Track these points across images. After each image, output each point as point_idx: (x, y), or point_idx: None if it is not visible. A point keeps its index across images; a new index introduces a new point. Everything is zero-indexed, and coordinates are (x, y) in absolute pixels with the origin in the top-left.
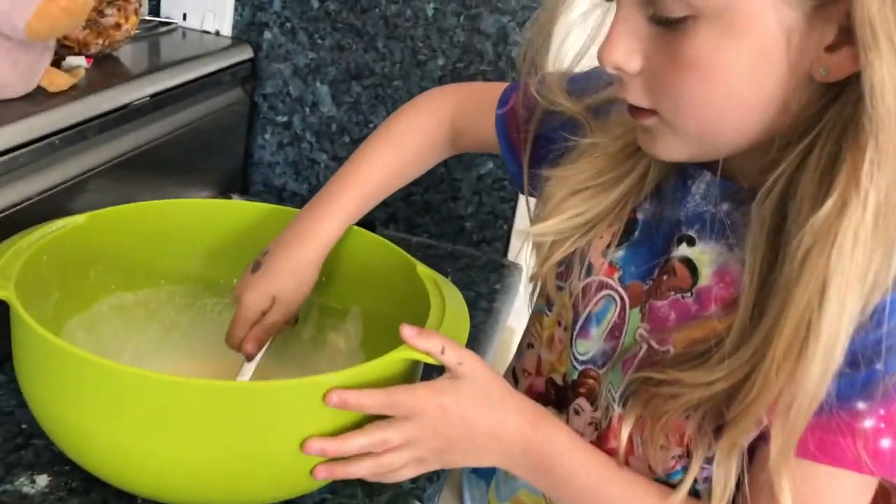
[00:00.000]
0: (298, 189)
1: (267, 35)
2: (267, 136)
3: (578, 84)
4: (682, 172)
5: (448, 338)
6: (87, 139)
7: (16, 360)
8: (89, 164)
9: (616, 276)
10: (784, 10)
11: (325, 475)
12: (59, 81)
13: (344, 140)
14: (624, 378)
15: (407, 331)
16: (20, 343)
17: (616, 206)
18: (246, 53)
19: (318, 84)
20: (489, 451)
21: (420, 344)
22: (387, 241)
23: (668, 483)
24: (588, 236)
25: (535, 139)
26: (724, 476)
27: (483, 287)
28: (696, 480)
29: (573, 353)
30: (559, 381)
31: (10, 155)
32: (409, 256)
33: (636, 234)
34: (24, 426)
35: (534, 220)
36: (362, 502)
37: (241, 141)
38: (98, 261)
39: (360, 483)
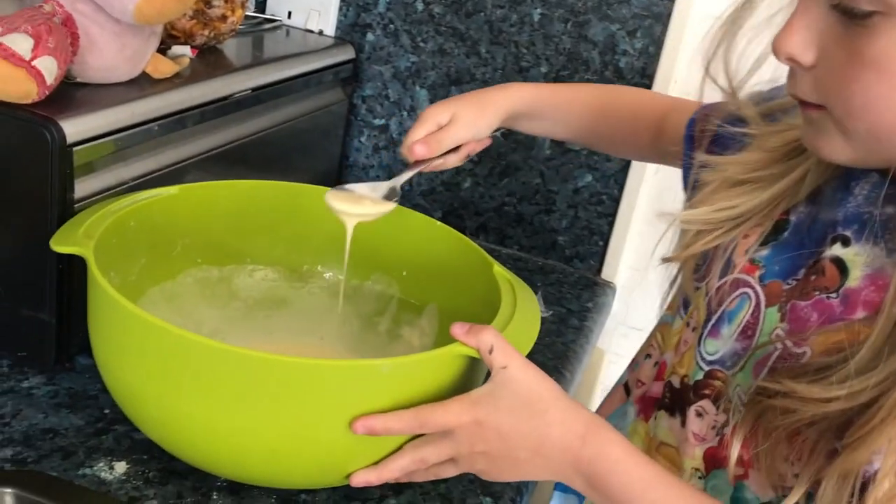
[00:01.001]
0: None
1: (370, 36)
2: (363, 139)
3: (760, 95)
4: (846, 175)
5: (502, 338)
6: (186, 128)
7: (89, 320)
8: (186, 154)
9: (756, 274)
10: None
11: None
12: (163, 68)
13: None
14: (755, 381)
15: (458, 327)
16: (93, 302)
17: (769, 205)
18: (348, 54)
19: (417, 88)
20: (538, 467)
21: (469, 340)
22: (467, 239)
23: None
24: (734, 233)
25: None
26: None
27: (574, 304)
28: None
29: (700, 353)
30: (677, 383)
31: (111, 138)
32: (487, 256)
33: (785, 234)
34: (106, 411)
35: (686, 206)
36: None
37: (337, 142)
38: (186, 233)
39: (441, 498)
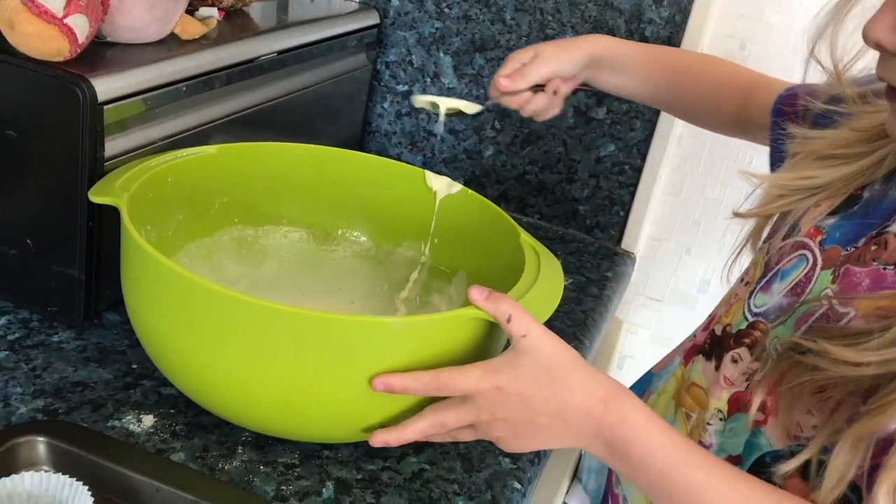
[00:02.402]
0: (413, 161)
1: (394, 2)
2: (386, 105)
3: (858, 79)
4: None
5: (519, 307)
6: (213, 90)
7: (122, 272)
8: (212, 116)
9: (818, 238)
10: None
11: (381, 443)
12: (192, 29)
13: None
14: (793, 335)
15: (475, 292)
16: (125, 254)
17: (847, 180)
18: (372, 19)
19: (441, 54)
20: (559, 433)
21: (487, 307)
22: (496, 207)
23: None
24: (809, 201)
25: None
26: (842, 467)
27: (594, 273)
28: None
29: (748, 305)
30: (719, 331)
31: (141, 97)
32: (514, 224)
33: (855, 208)
34: (134, 366)
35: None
36: (461, 477)
37: (360, 108)
38: (224, 192)
39: (460, 458)
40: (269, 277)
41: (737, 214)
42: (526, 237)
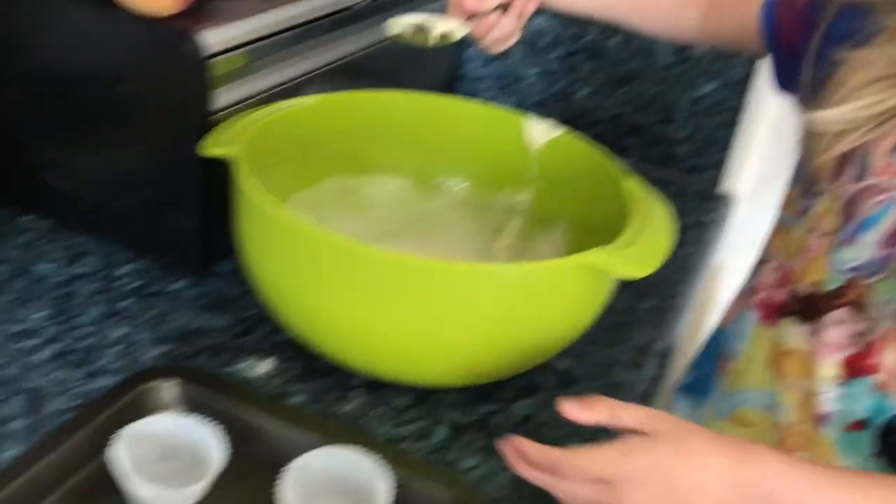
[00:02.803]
0: (504, 105)
1: None
2: (475, 49)
3: None
4: None
5: (614, 402)
6: (311, 39)
7: (236, 222)
8: (311, 66)
9: None
10: None
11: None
12: None
13: (554, 54)
14: None
15: (567, 405)
16: (240, 203)
17: None
18: None
19: None
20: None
21: (585, 417)
22: (598, 152)
23: None
24: (878, 131)
25: (811, 24)
26: None
27: (691, 218)
28: None
29: (835, 261)
30: (806, 290)
31: (245, 49)
32: (619, 168)
33: None
34: (250, 313)
35: (816, 108)
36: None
37: (450, 53)
38: (327, 143)
39: None
40: (371, 226)
41: (800, 163)
42: (632, 182)
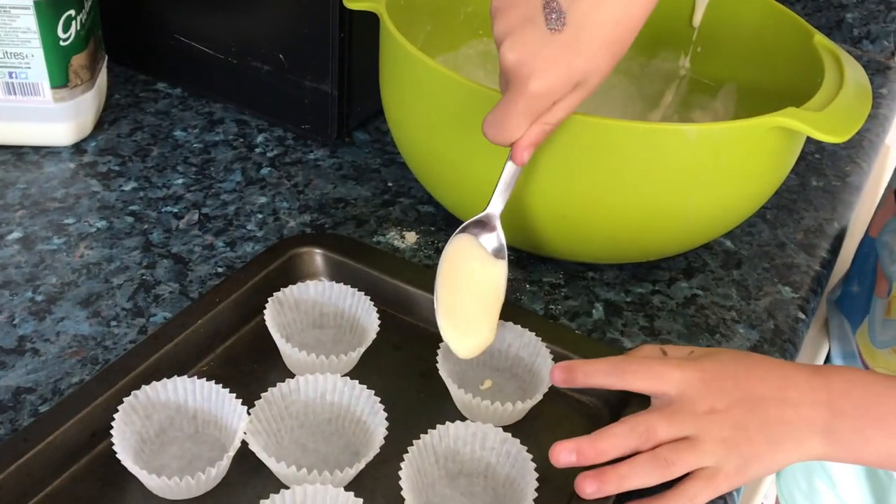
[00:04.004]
0: None
1: None
2: None
3: None
4: None
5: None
6: None
7: (382, 81)
8: None
9: None
10: None
11: (593, 490)
12: None
13: None
14: None
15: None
16: (386, 59)
17: None
18: None
19: None
20: (788, 417)
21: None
22: (778, 4)
23: None
24: None
25: None
26: None
27: None
28: None
29: None
30: None
31: None
32: (805, 24)
33: None
34: (390, 184)
35: None
36: (738, 304)
37: None
38: (468, 2)
39: (735, 284)
40: None
41: None
42: (821, 39)
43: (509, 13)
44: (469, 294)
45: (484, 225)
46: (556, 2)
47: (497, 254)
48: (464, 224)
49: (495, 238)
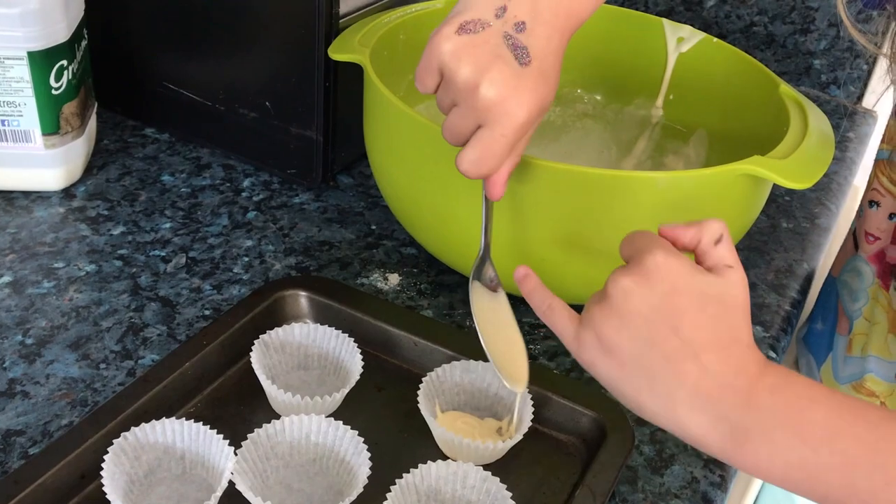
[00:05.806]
0: None
1: None
2: None
3: None
4: None
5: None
6: None
7: (366, 129)
8: None
9: None
10: None
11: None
12: None
13: None
14: None
15: (665, 227)
16: (371, 109)
17: None
18: None
19: None
20: (688, 379)
21: (690, 234)
22: (747, 56)
23: None
24: None
25: None
26: None
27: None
28: None
29: None
30: None
31: None
32: (771, 73)
33: None
34: (373, 227)
35: None
36: None
37: None
38: None
39: None
40: None
41: None
42: (786, 88)
43: (472, 54)
44: (499, 336)
45: (483, 261)
46: (515, 37)
47: (496, 287)
48: (471, 272)
49: (491, 271)
